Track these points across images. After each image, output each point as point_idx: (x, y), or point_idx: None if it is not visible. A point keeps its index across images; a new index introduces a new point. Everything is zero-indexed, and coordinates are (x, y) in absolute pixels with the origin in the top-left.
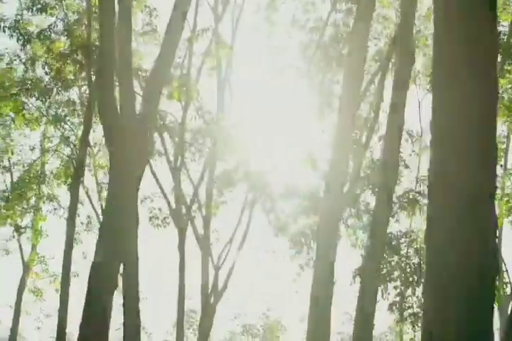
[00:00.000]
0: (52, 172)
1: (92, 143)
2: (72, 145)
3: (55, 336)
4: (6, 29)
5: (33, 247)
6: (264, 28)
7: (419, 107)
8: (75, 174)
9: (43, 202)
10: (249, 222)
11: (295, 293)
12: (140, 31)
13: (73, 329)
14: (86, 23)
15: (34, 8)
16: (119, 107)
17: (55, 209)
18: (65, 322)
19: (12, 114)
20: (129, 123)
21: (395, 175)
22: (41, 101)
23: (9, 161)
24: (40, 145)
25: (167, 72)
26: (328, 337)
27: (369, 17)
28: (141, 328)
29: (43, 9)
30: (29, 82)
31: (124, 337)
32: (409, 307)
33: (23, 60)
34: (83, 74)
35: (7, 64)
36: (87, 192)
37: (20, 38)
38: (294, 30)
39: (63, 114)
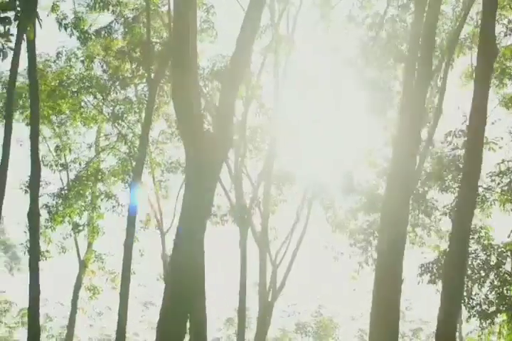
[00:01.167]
0: (109, 170)
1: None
2: (129, 143)
3: (115, 333)
4: (67, 27)
5: (89, 245)
6: (321, 24)
7: None
8: (134, 172)
9: (101, 200)
10: (308, 219)
11: (353, 290)
12: (197, 28)
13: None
14: (144, 20)
15: (96, 6)
16: None
17: (113, 206)
18: (125, 319)
19: (68, 112)
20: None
21: (478, 172)
22: (98, 99)
23: (65, 159)
24: (95, 143)
25: (243, 71)
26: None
27: (436, 14)
28: None
29: (104, 7)
30: (88, 80)
31: (190, 332)
32: (477, 305)
33: (81, 58)
34: (140, 72)
35: (65, 62)
36: (144, 190)
37: (81, 36)
38: (351, 27)
39: (120, 111)
